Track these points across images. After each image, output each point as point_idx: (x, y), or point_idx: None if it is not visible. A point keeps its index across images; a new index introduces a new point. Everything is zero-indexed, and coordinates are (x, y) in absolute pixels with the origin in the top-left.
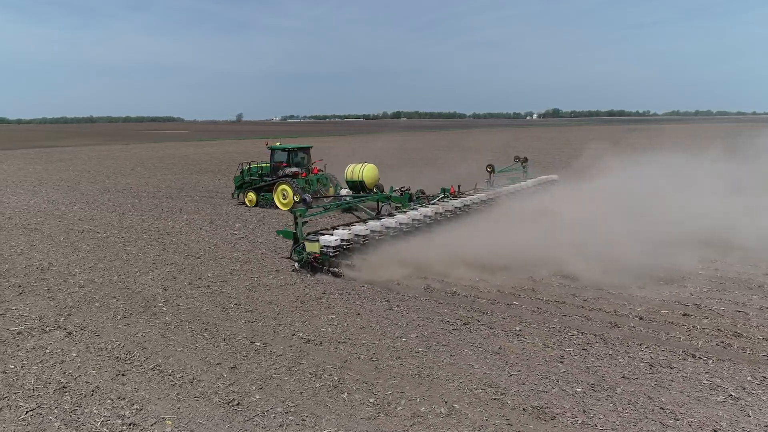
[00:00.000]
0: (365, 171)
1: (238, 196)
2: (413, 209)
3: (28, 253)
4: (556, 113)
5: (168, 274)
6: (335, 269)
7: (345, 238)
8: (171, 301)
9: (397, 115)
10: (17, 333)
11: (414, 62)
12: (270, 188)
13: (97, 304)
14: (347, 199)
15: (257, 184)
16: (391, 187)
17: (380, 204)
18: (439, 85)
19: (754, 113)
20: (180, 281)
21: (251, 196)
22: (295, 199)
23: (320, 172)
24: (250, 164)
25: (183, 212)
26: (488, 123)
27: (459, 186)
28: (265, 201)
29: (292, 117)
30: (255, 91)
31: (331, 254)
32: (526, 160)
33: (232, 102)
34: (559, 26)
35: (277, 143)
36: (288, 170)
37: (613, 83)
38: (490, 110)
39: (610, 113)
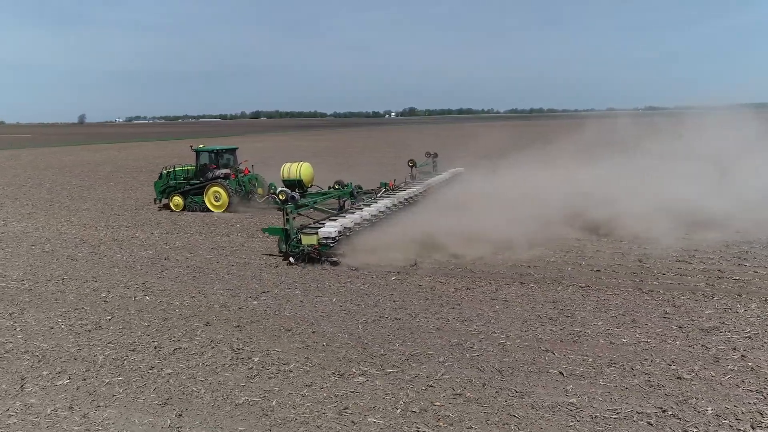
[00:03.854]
0: (302, 169)
1: (160, 201)
2: (375, 202)
3: (302, 311)
4: (412, 112)
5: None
6: (334, 258)
7: (347, 226)
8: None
9: (256, 115)
10: None
11: (273, 61)
12: (198, 191)
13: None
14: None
15: (183, 187)
16: (350, 183)
17: (342, 199)
18: (300, 84)
19: (576, 110)
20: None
21: (177, 200)
22: (259, 200)
23: (250, 173)
24: (174, 167)
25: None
26: (363, 122)
27: (395, 180)
28: (193, 204)
29: (138, 118)
30: (94, 91)
31: (331, 244)
32: (436, 155)
33: (67, 103)
34: (415, 30)
35: (201, 145)
36: (218, 172)
37: (462, 84)
38: (351, 109)
39: (460, 111)
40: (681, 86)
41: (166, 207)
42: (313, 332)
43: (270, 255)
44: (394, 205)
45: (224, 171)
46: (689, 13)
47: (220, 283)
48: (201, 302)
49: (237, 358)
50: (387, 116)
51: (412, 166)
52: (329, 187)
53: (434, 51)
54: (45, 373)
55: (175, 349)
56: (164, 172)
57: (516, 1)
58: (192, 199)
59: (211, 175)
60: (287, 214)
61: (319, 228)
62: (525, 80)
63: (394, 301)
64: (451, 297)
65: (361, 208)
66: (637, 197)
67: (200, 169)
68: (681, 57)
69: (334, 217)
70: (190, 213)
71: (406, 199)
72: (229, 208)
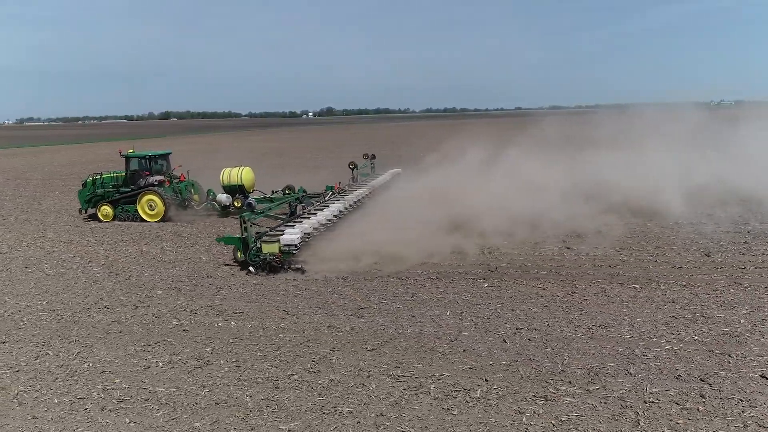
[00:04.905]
0: (244, 174)
1: (86, 211)
2: (327, 206)
3: (428, 327)
4: (330, 112)
5: None
6: (298, 266)
7: (307, 232)
8: None
9: (166, 116)
10: None
11: (180, 61)
12: (129, 200)
13: None
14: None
15: (113, 196)
16: (301, 188)
17: (293, 204)
18: (209, 84)
19: (487, 109)
20: None
21: (107, 209)
22: (196, 207)
23: (186, 179)
24: (101, 175)
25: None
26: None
27: (340, 182)
28: (125, 214)
29: (30, 119)
30: None
31: (294, 252)
32: (373, 157)
33: None
34: (330, 28)
35: (131, 150)
36: (152, 179)
37: (377, 84)
38: (267, 109)
39: (377, 111)
40: (579, 87)
41: (93, 217)
42: (464, 351)
43: (228, 265)
44: (346, 209)
45: (158, 177)
46: (586, 18)
47: (300, 302)
48: (299, 324)
49: (410, 387)
50: (304, 116)
51: (353, 168)
52: (272, 192)
53: (348, 51)
54: (197, 424)
55: (330, 382)
56: (90, 179)
57: (427, 3)
58: (123, 208)
59: (143, 182)
60: (245, 222)
61: (280, 235)
62: (437, 81)
63: (513, 310)
64: (566, 302)
65: (315, 213)
66: (649, 181)
67: (131, 176)
68: (580, 59)
69: (291, 223)
70: (191, 223)
71: (355, 202)
72: (165, 217)
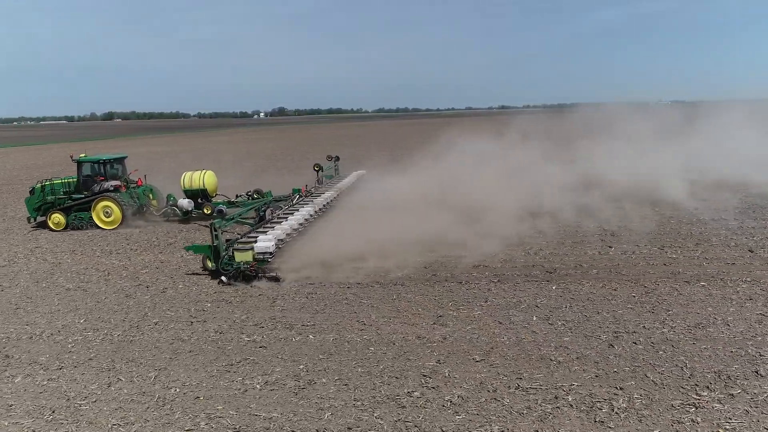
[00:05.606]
0: (206, 178)
1: (35, 219)
2: (297, 210)
3: (523, 333)
4: (282, 112)
5: None
6: (273, 274)
7: (281, 238)
8: None
9: (109, 116)
10: None
11: (125, 59)
12: (83, 206)
13: None
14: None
15: (64, 203)
16: (269, 191)
17: (262, 208)
18: (152, 84)
19: (438, 109)
20: None
21: (58, 217)
22: (156, 213)
23: (144, 184)
24: (51, 181)
25: None
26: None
27: (306, 185)
28: (79, 222)
29: None
30: None
31: (269, 259)
32: (337, 158)
33: None
34: (284, 27)
35: (83, 155)
36: (107, 184)
37: (331, 84)
38: (216, 110)
39: (330, 111)
40: (525, 88)
41: (43, 226)
42: (577, 358)
43: (196, 274)
44: (316, 212)
45: (114, 183)
46: (532, 20)
47: (371, 311)
48: (383, 336)
49: (546, 400)
50: (256, 116)
51: (318, 170)
52: (236, 196)
53: (298, 50)
54: None
55: (458, 398)
56: (38, 186)
57: (377, 3)
58: (77, 215)
59: (98, 187)
60: (215, 230)
61: (253, 242)
62: (388, 81)
63: (598, 313)
64: (647, 302)
65: (286, 218)
66: (651, 174)
67: (84, 182)
68: (526, 61)
69: (263, 229)
70: (196, 230)
71: (325, 205)
72: (122, 224)
